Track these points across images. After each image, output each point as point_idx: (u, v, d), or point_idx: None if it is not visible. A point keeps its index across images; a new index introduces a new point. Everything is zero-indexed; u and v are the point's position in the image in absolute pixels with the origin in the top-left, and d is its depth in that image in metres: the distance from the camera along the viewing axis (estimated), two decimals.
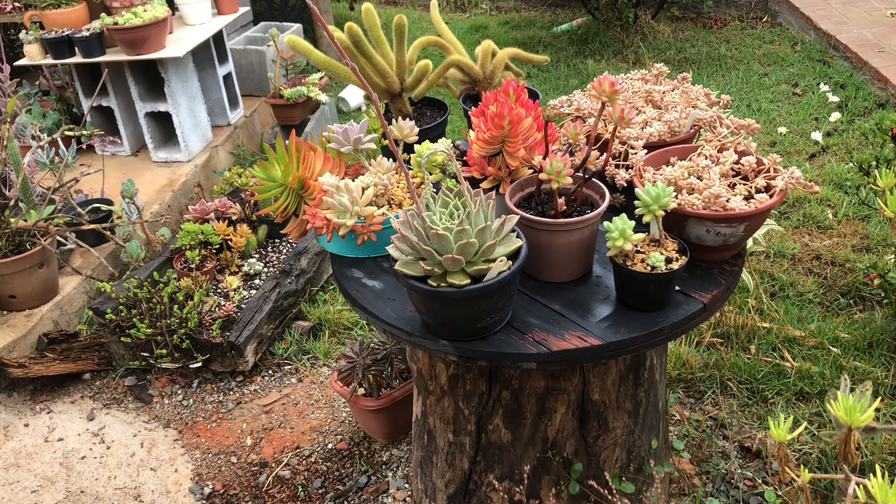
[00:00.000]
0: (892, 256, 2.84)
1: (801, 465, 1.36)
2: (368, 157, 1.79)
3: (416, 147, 1.70)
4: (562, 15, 6.34)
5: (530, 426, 1.76)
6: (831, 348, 2.52)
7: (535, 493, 1.83)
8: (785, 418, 1.31)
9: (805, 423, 2.24)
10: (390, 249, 1.45)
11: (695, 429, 2.30)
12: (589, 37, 5.64)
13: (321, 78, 4.38)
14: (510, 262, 1.42)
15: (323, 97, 4.32)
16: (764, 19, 5.89)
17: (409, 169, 1.79)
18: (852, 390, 2.03)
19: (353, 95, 5.18)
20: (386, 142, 1.87)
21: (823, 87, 4.54)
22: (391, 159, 1.69)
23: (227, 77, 4.33)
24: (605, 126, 1.79)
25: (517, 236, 1.48)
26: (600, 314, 1.53)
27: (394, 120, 1.82)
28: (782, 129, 4.11)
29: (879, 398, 2.31)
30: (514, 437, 1.79)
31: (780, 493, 2.09)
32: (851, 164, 2.68)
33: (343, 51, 1.18)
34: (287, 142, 1.73)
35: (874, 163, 2.34)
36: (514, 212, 1.54)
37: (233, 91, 4.40)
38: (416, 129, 1.81)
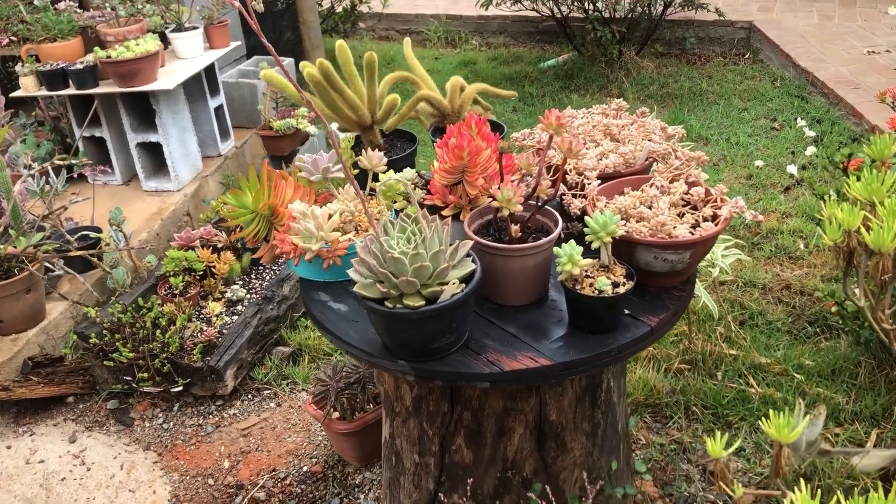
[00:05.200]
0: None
1: (737, 482, 1.42)
2: (338, 185, 1.87)
3: (381, 176, 1.79)
4: (549, 51, 6.49)
5: (491, 446, 1.82)
6: (795, 375, 2.59)
7: None
8: (722, 436, 1.38)
9: (763, 447, 2.30)
10: (351, 272, 1.53)
11: (659, 452, 2.36)
12: (574, 72, 5.77)
13: (310, 111, 4.49)
14: (463, 285, 1.49)
15: (312, 129, 4.42)
16: (746, 56, 6.03)
17: (374, 196, 1.87)
18: (806, 414, 2.09)
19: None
20: (357, 171, 1.96)
21: (800, 122, 4.65)
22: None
23: (219, 109, 4.43)
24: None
25: (472, 261, 1.56)
26: (552, 336, 1.60)
27: (364, 150, 1.90)
28: (759, 163, 4.21)
29: (839, 424, 2.38)
30: (476, 457, 1.85)
31: None
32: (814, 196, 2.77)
33: (297, 85, 1.27)
34: (259, 170, 1.81)
35: (831, 194, 2.42)
36: (470, 237, 1.62)
37: (224, 123, 4.50)
38: (385, 160, 1.90)
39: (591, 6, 5.60)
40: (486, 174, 1.72)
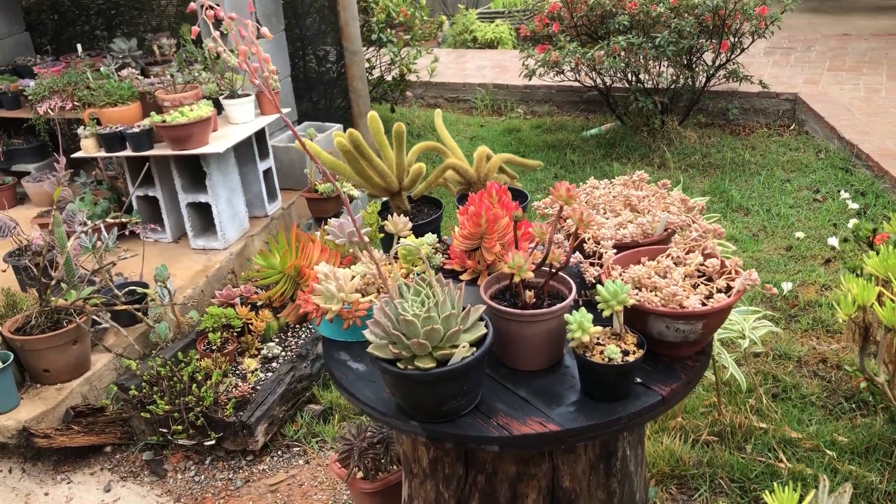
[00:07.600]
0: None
1: None
2: (363, 248, 1.95)
3: (401, 241, 1.85)
4: (593, 120, 6.59)
5: None
6: (827, 451, 2.53)
7: None
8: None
9: None
10: (366, 333, 1.58)
11: None
12: (616, 141, 5.84)
13: None
14: (474, 349, 1.53)
15: (355, 192, 4.55)
16: (791, 127, 6.03)
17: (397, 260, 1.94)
18: (831, 492, 2.04)
19: None
20: (381, 235, 2.03)
21: (844, 195, 4.62)
22: (381, 251, 1.84)
23: (268, 172, 4.60)
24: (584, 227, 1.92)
25: (485, 325, 1.60)
26: (563, 402, 1.62)
27: (390, 216, 1.98)
28: (799, 234, 4.18)
29: None
30: None
31: None
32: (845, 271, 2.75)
33: (313, 156, 1.35)
34: (289, 234, 1.90)
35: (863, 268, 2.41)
36: (485, 302, 1.67)
37: (272, 185, 4.66)
38: (410, 225, 1.97)
39: (634, 77, 5.70)
40: (503, 241, 1.78)
